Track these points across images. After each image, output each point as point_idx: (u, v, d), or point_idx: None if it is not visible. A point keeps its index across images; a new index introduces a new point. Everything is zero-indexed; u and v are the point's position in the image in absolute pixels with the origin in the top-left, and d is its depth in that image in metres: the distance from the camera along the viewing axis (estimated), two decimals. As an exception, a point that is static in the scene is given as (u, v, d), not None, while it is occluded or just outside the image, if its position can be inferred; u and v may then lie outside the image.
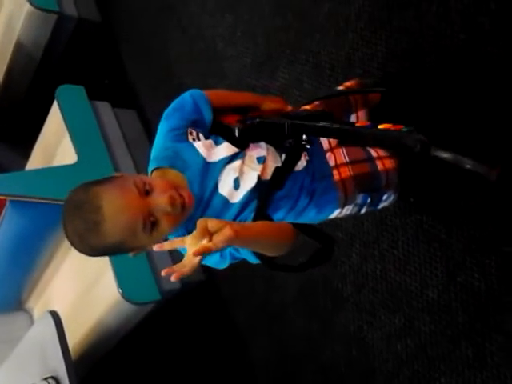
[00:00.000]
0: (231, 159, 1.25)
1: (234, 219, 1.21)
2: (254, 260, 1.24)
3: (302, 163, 1.33)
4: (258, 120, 1.30)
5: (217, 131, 1.32)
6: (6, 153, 3.95)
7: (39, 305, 3.30)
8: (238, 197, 1.22)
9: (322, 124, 1.26)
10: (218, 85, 2.90)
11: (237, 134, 1.28)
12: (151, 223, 1.09)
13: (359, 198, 1.49)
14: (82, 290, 2.85)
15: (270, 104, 1.44)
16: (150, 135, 3.27)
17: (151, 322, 2.84)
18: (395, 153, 1.54)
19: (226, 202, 1.22)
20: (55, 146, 3.17)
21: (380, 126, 1.19)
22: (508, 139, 1.69)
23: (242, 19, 2.76)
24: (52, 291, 3.14)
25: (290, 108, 1.47)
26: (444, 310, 1.92)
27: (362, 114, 1.67)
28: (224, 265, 1.28)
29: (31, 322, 3.27)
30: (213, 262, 1.26)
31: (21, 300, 3.34)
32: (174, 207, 1.11)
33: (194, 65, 3.13)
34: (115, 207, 1.08)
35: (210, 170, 1.23)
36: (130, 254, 1.19)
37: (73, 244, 1.14)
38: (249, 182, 1.23)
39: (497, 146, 1.71)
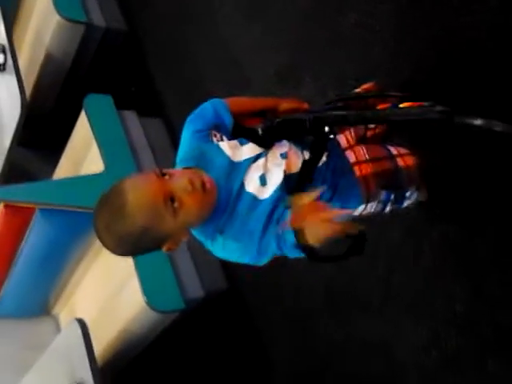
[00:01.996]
0: (256, 159, 1.28)
1: (270, 216, 1.21)
2: (296, 255, 1.23)
3: (322, 158, 1.34)
4: (278, 119, 1.33)
5: (240, 134, 1.36)
6: (35, 160, 4.02)
7: (65, 311, 3.34)
8: (266, 193, 1.24)
9: (342, 112, 1.29)
10: (243, 94, 2.91)
11: (260, 133, 1.32)
12: (172, 202, 1.12)
13: (382, 195, 1.50)
14: (107, 297, 2.88)
15: (286, 105, 1.48)
16: (176, 144, 3.27)
17: (175, 330, 2.85)
18: (421, 129, 1.51)
19: (254, 198, 1.24)
20: (83, 154, 3.22)
21: (401, 106, 1.23)
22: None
23: (267, 30, 2.77)
24: (78, 297, 3.18)
25: (306, 105, 1.49)
26: (471, 324, 1.90)
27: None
28: (265, 260, 1.26)
29: (57, 327, 3.31)
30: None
31: (47, 305, 3.39)
32: (194, 186, 1.14)
33: (220, 74, 3.16)
34: (136, 189, 1.14)
35: (236, 169, 1.26)
36: (164, 249, 1.20)
37: (103, 240, 1.17)
38: (275, 177, 1.26)
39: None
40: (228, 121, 1.37)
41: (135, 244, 1.17)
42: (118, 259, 2.67)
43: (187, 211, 1.14)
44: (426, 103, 1.16)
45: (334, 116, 1.28)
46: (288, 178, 1.26)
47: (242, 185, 1.25)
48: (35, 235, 2.92)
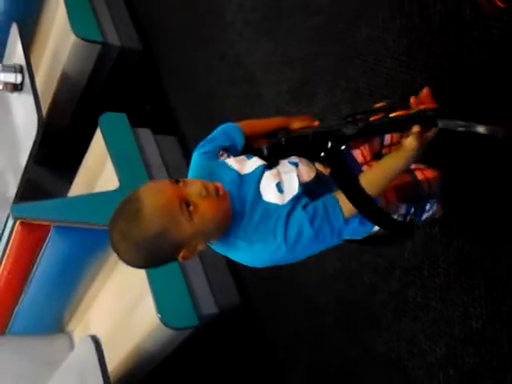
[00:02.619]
0: (266, 168, 1.30)
1: (289, 214, 1.21)
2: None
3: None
4: (284, 138, 1.36)
5: (245, 153, 1.38)
6: (50, 178, 4.07)
7: (79, 327, 3.34)
8: (285, 199, 1.25)
9: (337, 127, 1.32)
10: (256, 110, 2.94)
11: (265, 152, 1.35)
12: (187, 205, 1.14)
13: (402, 209, 1.50)
14: (121, 314, 2.88)
15: (298, 123, 1.49)
16: (190, 161, 3.33)
17: (189, 347, 2.84)
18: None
19: (273, 205, 1.24)
20: (98, 172, 3.25)
21: (391, 115, 1.29)
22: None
23: (279, 46, 2.79)
24: (92, 314, 3.18)
25: (317, 123, 1.50)
26: (489, 342, 1.86)
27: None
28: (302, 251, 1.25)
29: (71, 344, 3.31)
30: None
31: (62, 322, 3.39)
32: (208, 190, 1.16)
33: (233, 91, 3.18)
34: (151, 194, 1.16)
35: (247, 181, 1.28)
36: (179, 258, 1.19)
37: (118, 250, 1.17)
38: (291, 183, 1.26)
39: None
40: (239, 141, 1.41)
41: (151, 251, 1.16)
42: (132, 276, 2.72)
43: (202, 215, 1.15)
44: (413, 110, 1.22)
45: (333, 132, 1.32)
46: (304, 186, 1.27)
47: (258, 193, 1.26)
48: (50, 252, 2.93)
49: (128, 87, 3.89)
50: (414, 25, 2.06)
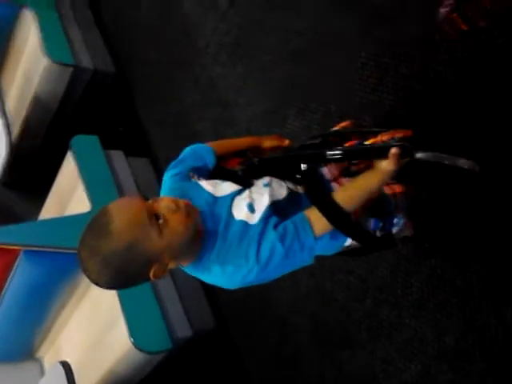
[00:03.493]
0: (239, 192, 1.32)
1: (260, 235, 1.22)
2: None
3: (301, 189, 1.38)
4: (256, 159, 1.40)
5: (219, 176, 1.39)
6: (20, 202, 4.00)
7: (50, 354, 3.26)
8: (256, 218, 1.26)
9: (312, 151, 1.37)
10: (229, 132, 2.96)
11: (241, 175, 1.38)
12: (157, 219, 1.13)
13: (371, 224, 1.51)
14: (93, 339, 2.82)
15: (268, 142, 1.53)
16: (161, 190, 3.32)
17: (163, 370, 2.79)
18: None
19: (245, 224, 1.25)
20: (69, 194, 3.21)
21: (367, 142, 1.31)
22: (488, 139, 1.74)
23: (252, 69, 2.83)
24: (63, 340, 3.11)
25: (287, 142, 1.55)
26: (462, 358, 1.88)
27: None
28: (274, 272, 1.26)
29: (42, 371, 3.23)
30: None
31: (32, 349, 3.30)
32: (177, 205, 1.17)
33: (206, 113, 3.20)
34: (120, 208, 1.16)
35: (220, 204, 1.29)
36: (150, 275, 1.17)
37: (86, 268, 1.14)
38: (262, 203, 1.28)
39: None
40: (210, 161, 1.43)
41: (120, 268, 1.14)
42: (104, 300, 2.67)
43: (172, 229, 1.15)
44: (388, 140, 1.24)
45: (307, 154, 1.36)
46: (276, 204, 1.29)
47: (231, 215, 1.27)
48: (19, 277, 2.87)
49: (100, 109, 3.88)
50: (383, 48, 2.12)
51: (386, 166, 1.23)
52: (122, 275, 1.17)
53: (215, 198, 1.30)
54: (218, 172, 1.43)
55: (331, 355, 2.36)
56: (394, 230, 1.65)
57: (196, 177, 1.37)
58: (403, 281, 2.07)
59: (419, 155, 1.21)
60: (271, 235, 1.21)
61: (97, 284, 1.18)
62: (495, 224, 1.79)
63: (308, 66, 2.48)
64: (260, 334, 2.76)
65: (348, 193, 1.32)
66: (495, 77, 1.76)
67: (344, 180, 1.54)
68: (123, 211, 1.14)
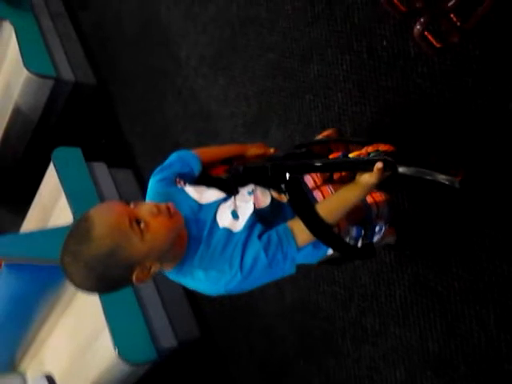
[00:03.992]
0: (224, 199, 1.33)
1: (245, 243, 1.24)
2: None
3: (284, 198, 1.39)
4: (242, 167, 1.40)
5: (205, 183, 1.40)
6: (2, 213, 3.96)
7: (33, 366, 3.21)
8: (240, 225, 1.27)
9: (298, 162, 1.39)
10: (211, 143, 2.97)
11: (227, 183, 1.38)
12: (138, 223, 1.13)
13: (353, 232, 1.53)
14: (77, 351, 2.80)
15: (253, 150, 1.55)
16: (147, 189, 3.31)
17: (148, 380, 2.78)
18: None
19: (229, 232, 1.26)
20: (51, 206, 3.19)
21: (350, 155, 1.33)
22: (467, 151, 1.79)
23: (234, 81, 2.85)
24: (47, 352, 3.07)
25: (272, 151, 1.56)
26: (446, 364, 1.91)
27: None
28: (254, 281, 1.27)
29: (25, 383, 3.19)
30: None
31: (14, 361, 3.25)
32: (159, 209, 1.17)
33: (189, 125, 3.21)
34: (102, 213, 1.15)
35: (205, 210, 1.30)
36: (133, 279, 1.17)
37: (69, 273, 1.14)
38: (246, 210, 1.29)
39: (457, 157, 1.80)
40: (196, 168, 1.43)
41: (103, 272, 1.14)
42: (87, 311, 2.65)
43: (154, 233, 1.15)
44: (372, 153, 1.27)
45: (292, 165, 1.37)
46: (259, 212, 1.31)
47: (215, 222, 1.28)
48: (1, 290, 2.84)
49: (83, 121, 3.87)
50: (363, 61, 2.17)
51: (368, 179, 1.26)
52: (105, 280, 1.17)
53: (200, 205, 1.31)
54: (203, 179, 1.44)
55: (317, 364, 2.38)
56: (376, 237, 1.67)
57: (182, 183, 1.37)
58: (386, 289, 2.10)
59: (402, 170, 1.25)
60: (255, 244, 1.23)
61: (80, 288, 1.18)
62: (476, 231, 1.83)
63: (288, 79, 2.51)
64: (246, 343, 2.76)
65: (330, 205, 1.34)
66: (473, 87, 1.81)
67: (326, 188, 1.56)
68: (104, 216, 1.14)
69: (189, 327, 2.85)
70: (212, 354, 2.91)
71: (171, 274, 1.28)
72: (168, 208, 1.19)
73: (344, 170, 1.44)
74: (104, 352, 2.56)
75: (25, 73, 3.51)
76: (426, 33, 1.48)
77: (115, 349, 2.50)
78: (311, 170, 1.41)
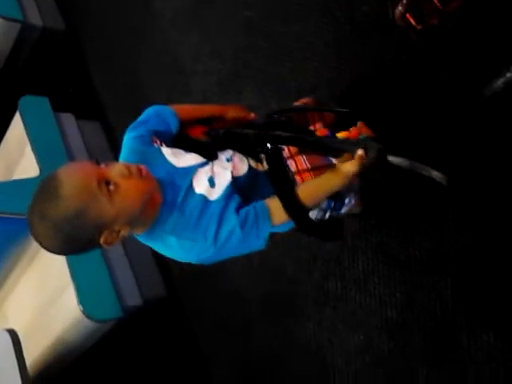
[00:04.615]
0: (202, 165, 1.30)
1: (221, 215, 1.23)
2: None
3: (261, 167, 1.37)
4: (222, 131, 1.37)
5: (183, 145, 1.37)
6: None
7: (-4, 319, 3.22)
8: (216, 193, 1.25)
9: (286, 134, 1.35)
10: (184, 100, 2.92)
11: (206, 146, 1.35)
12: (107, 184, 1.12)
13: (324, 203, 1.54)
14: (41, 306, 2.80)
15: (233, 112, 1.51)
16: (115, 147, 3.25)
17: (112, 338, 2.81)
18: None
19: (205, 199, 1.24)
20: (17, 158, 3.11)
21: (339, 135, 1.33)
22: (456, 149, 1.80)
23: (209, 37, 2.78)
24: (10, 306, 3.07)
25: (252, 115, 1.54)
26: (402, 330, 1.98)
27: (318, 126, 1.74)
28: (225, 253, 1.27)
29: (-13, 336, 3.19)
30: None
31: (-23, 314, 3.25)
32: (130, 170, 1.15)
33: (161, 78, 3.14)
34: (70, 173, 1.13)
35: (181, 174, 1.27)
36: (102, 243, 1.15)
37: (37, 233, 1.12)
38: (223, 178, 1.28)
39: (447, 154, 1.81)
40: (174, 126, 1.39)
41: (71, 233, 1.11)
42: (52, 266, 2.64)
43: (124, 196, 1.13)
44: (361, 136, 1.26)
45: (278, 136, 1.35)
46: (235, 180, 1.29)
47: (191, 187, 1.26)
48: (-37, 242, 2.80)
49: (50, 69, 3.74)
50: (341, 27, 2.13)
51: (349, 168, 1.24)
52: (72, 241, 1.14)
53: (176, 169, 1.28)
54: (181, 139, 1.40)
55: (279, 325, 2.43)
56: (344, 209, 1.70)
57: (158, 142, 1.33)
58: (350, 255, 2.14)
59: (391, 159, 1.22)
60: (232, 219, 1.22)
61: (47, 249, 1.16)
62: (440, 204, 1.87)
63: (266, 40, 2.46)
64: (211, 303, 2.80)
65: (310, 191, 1.33)
66: (449, 63, 1.81)
67: (300, 157, 1.56)
68: (72, 176, 1.12)
69: (155, 286, 2.87)
70: (177, 313, 2.94)
71: (141, 237, 1.27)
72: (140, 170, 1.17)
73: (332, 151, 1.40)
74: (68, 308, 2.57)
75: (-11, 15, 3.36)
76: (406, 15, 1.46)
77: (80, 305, 2.51)
78: (295, 143, 1.39)
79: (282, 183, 1.32)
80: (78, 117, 3.38)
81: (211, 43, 2.78)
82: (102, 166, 1.17)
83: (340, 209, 1.67)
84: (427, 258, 1.90)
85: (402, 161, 1.20)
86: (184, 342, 2.89)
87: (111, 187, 1.12)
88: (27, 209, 1.13)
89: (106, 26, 3.60)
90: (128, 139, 1.35)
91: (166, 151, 1.31)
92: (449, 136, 1.83)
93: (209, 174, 1.28)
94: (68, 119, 3.32)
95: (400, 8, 1.45)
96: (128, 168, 1.15)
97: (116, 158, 1.36)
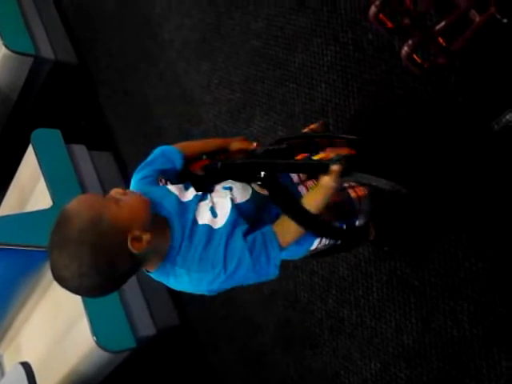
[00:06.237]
0: (202, 197, 1.33)
1: (227, 241, 1.24)
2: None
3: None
4: (220, 163, 1.42)
5: (185, 179, 1.42)
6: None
7: (10, 351, 3.22)
8: (220, 222, 1.27)
9: (265, 161, 1.43)
10: (194, 130, 2.96)
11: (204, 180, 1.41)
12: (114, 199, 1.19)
13: (336, 226, 1.56)
14: (55, 338, 2.80)
15: (235, 144, 1.55)
16: (126, 177, 3.28)
17: (126, 369, 2.79)
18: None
19: (210, 229, 1.26)
20: (30, 189, 3.15)
21: (315, 157, 1.40)
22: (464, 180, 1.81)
23: (218, 67, 2.82)
24: (24, 338, 3.07)
25: (254, 145, 1.57)
26: (419, 357, 1.95)
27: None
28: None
29: (1, 369, 3.19)
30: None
31: (-10, 346, 3.26)
32: (124, 190, 1.23)
33: (171, 109, 3.18)
34: (78, 200, 1.19)
35: (186, 207, 1.29)
36: (132, 248, 1.14)
37: (54, 266, 1.11)
38: (224, 206, 1.29)
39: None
40: (179, 164, 1.44)
41: (96, 243, 1.10)
42: (66, 298, 2.64)
43: (127, 201, 1.20)
44: (335, 157, 1.31)
45: (264, 163, 1.42)
46: (239, 207, 1.30)
47: (195, 220, 1.27)
48: (-22, 274, 2.82)
49: (62, 102, 3.80)
50: (348, 53, 2.16)
51: (327, 181, 1.29)
52: (102, 251, 1.11)
53: (182, 203, 1.31)
54: (183, 174, 1.44)
55: (294, 353, 2.41)
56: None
57: (164, 181, 1.38)
58: (364, 281, 2.13)
59: (354, 175, 1.31)
60: (240, 244, 1.22)
61: (77, 288, 1.15)
62: (453, 228, 1.86)
63: (272, 67, 2.49)
64: (225, 332, 2.78)
65: (310, 200, 1.35)
66: (456, 85, 1.82)
67: (311, 183, 1.58)
68: (79, 199, 1.19)
69: (168, 314, 2.87)
70: (191, 342, 2.93)
71: (154, 274, 1.29)
72: (132, 192, 1.27)
73: (304, 172, 1.50)
74: (82, 339, 2.57)
75: (3, 50, 3.42)
76: (413, 55, 1.49)
77: (93, 336, 2.50)
78: (273, 170, 1.42)
79: (285, 199, 1.35)
80: (90, 148, 3.42)
81: (219, 73, 2.82)
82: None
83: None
84: (442, 282, 1.89)
85: (362, 176, 1.30)
86: (199, 371, 2.86)
87: (114, 196, 1.20)
88: (48, 251, 1.13)
89: (116, 59, 3.66)
90: (135, 182, 1.40)
91: (171, 187, 1.35)
92: (457, 167, 1.84)
93: (209, 205, 1.30)
94: (80, 151, 3.36)
95: (406, 49, 1.46)
96: (123, 189, 1.24)
97: (127, 187, 1.39)
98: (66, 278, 1.12)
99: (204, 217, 1.28)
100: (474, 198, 1.79)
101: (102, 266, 1.12)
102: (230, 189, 1.35)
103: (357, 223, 1.67)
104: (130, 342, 2.61)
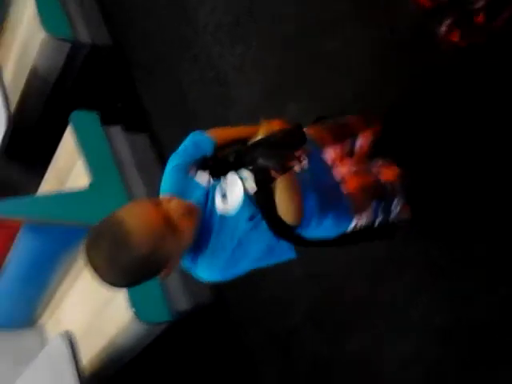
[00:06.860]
0: (216, 183, 1.37)
1: (241, 226, 1.30)
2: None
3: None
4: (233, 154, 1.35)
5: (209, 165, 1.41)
6: (20, 174, 4.02)
7: (51, 322, 3.35)
8: (231, 210, 1.32)
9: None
10: (227, 112, 2.99)
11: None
12: (168, 222, 1.19)
13: (372, 205, 1.62)
14: (94, 310, 2.91)
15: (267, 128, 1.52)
16: (163, 159, 3.35)
17: (162, 343, 2.89)
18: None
19: (222, 217, 1.32)
20: (68, 169, 3.25)
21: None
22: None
23: (251, 50, 2.85)
24: (65, 309, 3.19)
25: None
26: (450, 338, 2.00)
27: (363, 140, 1.81)
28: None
29: (43, 339, 3.32)
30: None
31: (33, 317, 3.39)
32: (184, 208, 1.23)
33: (205, 92, 3.21)
34: (135, 215, 1.18)
35: (210, 195, 1.35)
36: (162, 275, 1.23)
37: (103, 274, 1.19)
38: (235, 193, 1.33)
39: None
40: (209, 153, 1.43)
41: (138, 272, 1.19)
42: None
43: (182, 232, 1.21)
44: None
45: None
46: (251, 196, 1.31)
47: (214, 205, 1.34)
48: (21, 250, 2.94)
49: (99, 84, 3.87)
50: (384, 38, 2.16)
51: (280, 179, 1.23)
52: (139, 278, 1.22)
53: (207, 192, 1.36)
54: (210, 160, 1.43)
55: (327, 334, 2.45)
56: (393, 213, 1.73)
57: (193, 171, 1.39)
58: (397, 264, 2.16)
59: None
60: (247, 227, 1.29)
61: (113, 285, 1.25)
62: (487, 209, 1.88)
63: (308, 52, 2.51)
64: (257, 312, 2.85)
65: (283, 205, 1.29)
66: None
67: (345, 163, 1.61)
68: (140, 222, 1.16)
69: (202, 292, 2.93)
70: (223, 320, 3.01)
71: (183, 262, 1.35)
72: (191, 210, 1.26)
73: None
74: (120, 311, 2.66)
75: (42, 34, 3.49)
76: (451, 34, 1.49)
77: (132, 308, 2.60)
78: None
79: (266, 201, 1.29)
80: (126, 130, 3.50)
81: (253, 56, 2.84)
82: (162, 201, 1.24)
83: (389, 212, 1.72)
84: (476, 264, 1.91)
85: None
86: (232, 347, 2.95)
87: (173, 227, 1.19)
88: (88, 247, 1.19)
89: (151, 42, 3.71)
90: (168, 169, 1.43)
91: (199, 178, 1.38)
92: (495, 151, 1.85)
93: (222, 192, 1.34)
94: (117, 132, 3.43)
95: (444, 28, 1.47)
96: (182, 207, 1.23)
97: (163, 169, 1.44)
98: (103, 275, 1.20)
99: (218, 204, 1.33)
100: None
101: (135, 282, 1.24)
102: (245, 178, 1.35)
103: (394, 204, 1.71)
104: (165, 315, 2.70)
